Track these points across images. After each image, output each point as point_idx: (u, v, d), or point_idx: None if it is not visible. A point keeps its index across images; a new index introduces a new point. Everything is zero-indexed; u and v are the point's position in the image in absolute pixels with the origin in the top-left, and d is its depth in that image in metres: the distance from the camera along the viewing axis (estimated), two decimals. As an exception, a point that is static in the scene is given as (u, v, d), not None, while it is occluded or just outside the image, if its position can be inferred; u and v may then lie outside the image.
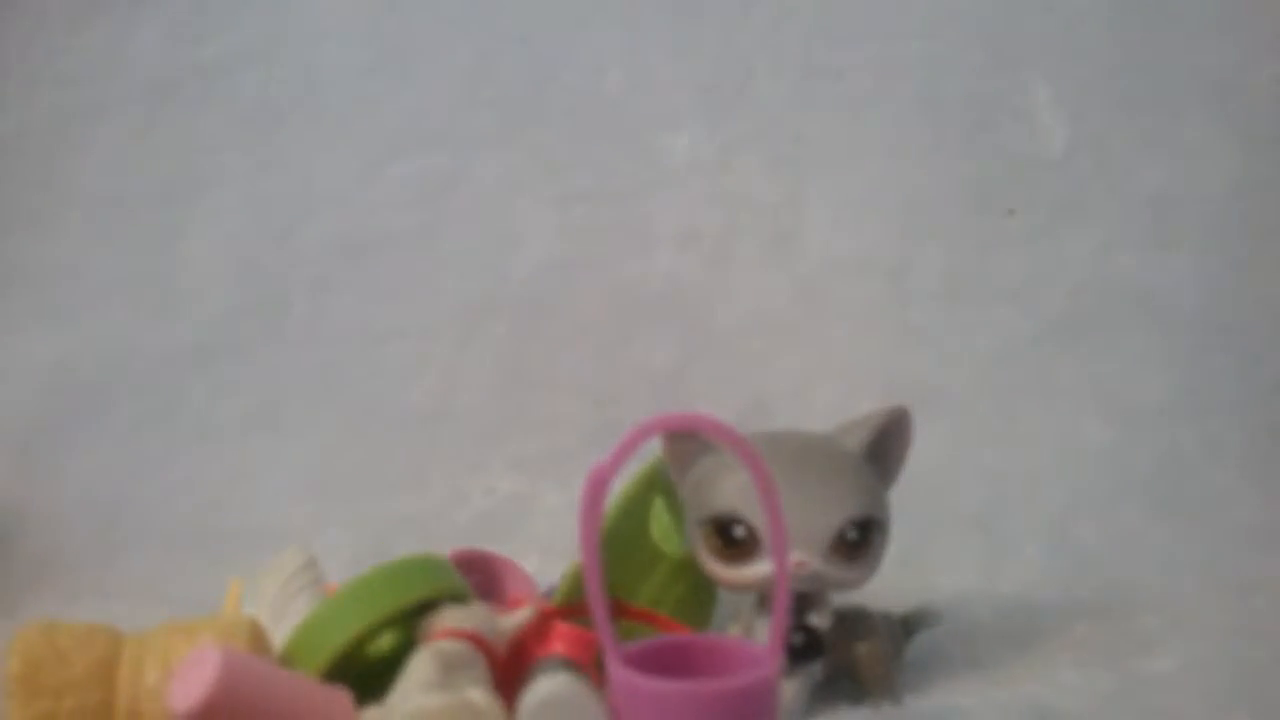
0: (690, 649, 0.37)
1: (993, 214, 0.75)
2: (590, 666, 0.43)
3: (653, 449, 0.49)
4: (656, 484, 0.51)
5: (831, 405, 0.69)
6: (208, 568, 0.63)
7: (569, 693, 0.40)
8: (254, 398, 0.77)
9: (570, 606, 0.46)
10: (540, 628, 0.44)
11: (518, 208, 0.79)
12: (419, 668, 0.39)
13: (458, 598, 0.44)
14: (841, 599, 0.48)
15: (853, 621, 0.48)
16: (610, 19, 0.80)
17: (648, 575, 0.50)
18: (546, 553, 0.63)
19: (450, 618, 0.42)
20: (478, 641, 0.41)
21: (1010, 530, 0.66)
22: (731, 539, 0.45)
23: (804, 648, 0.46)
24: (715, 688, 0.33)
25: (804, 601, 0.46)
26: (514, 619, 0.43)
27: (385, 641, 0.45)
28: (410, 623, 0.43)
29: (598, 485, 0.32)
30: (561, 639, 0.44)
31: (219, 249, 0.80)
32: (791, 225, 0.77)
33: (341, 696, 0.39)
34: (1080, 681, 0.49)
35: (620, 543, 0.49)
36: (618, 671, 0.34)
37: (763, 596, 0.47)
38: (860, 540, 0.45)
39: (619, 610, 0.46)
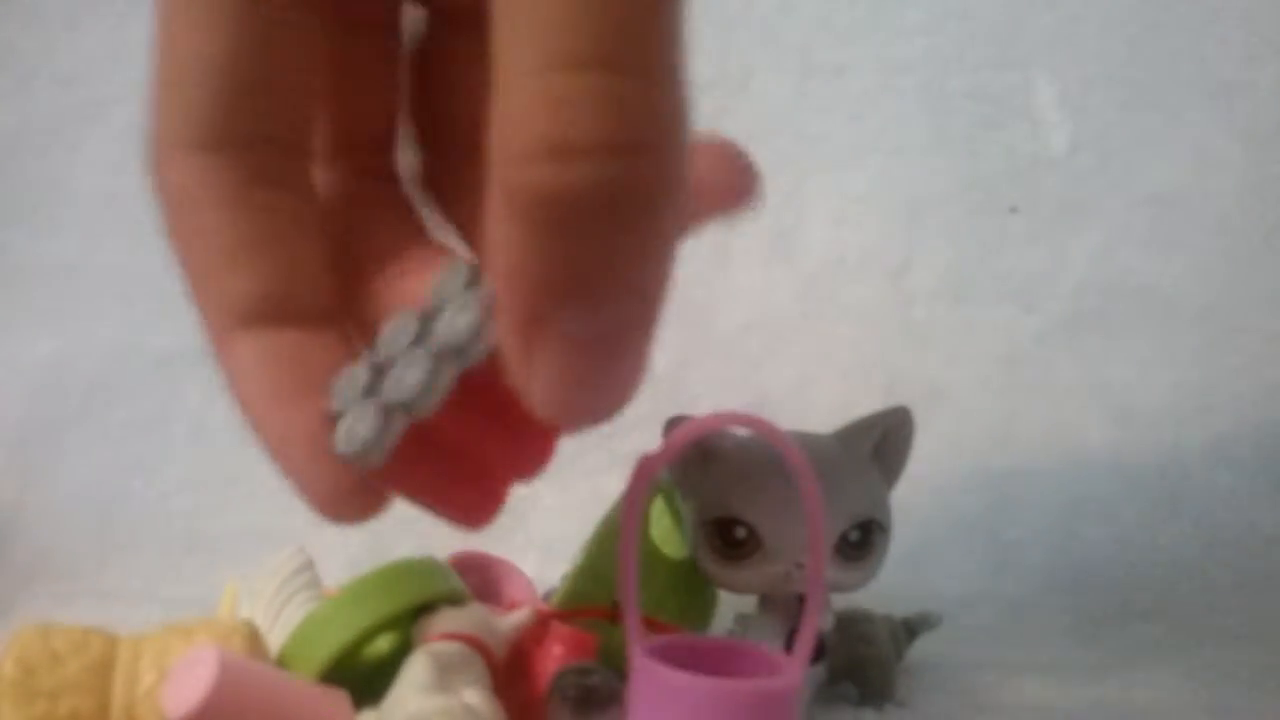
0: (702, 649, 0.36)
1: (995, 213, 0.75)
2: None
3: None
4: (657, 485, 0.51)
5: (832, 405, 0.68)
6: (204, 570, 0.62)
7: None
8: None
9: (569, 609, 0.46)
10: (538, 630, 0.44)
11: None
12: (415, 670, 0.39)
13: (455, 600, 0.44)
14: (843, 601, 0.48)
15: (854, 624, 0.48)
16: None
17: (648, 577, 0.50)
18: (545, 554, 0.63)
19: (447, 620, 0.42)
20: (475, 644, 0.41)
21: (1013, 532, 0.66)
22: (732, 540, 0.45)
23: (805, 650, 0.46)
24: (743, 687, 0.33)
25: (805, 604, 0.46)
26: (512, 621, 0.43)
27: (383, 644, 0.44)
28: (408, 625, 0.43)
29: (643, 477, 0.32)
30: (560, 641, 0.44)
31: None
32: (792, 224, 0.77)
33: (339, 699, 0.39)
34: (1084, 685, 0.49)
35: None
36: (642, 663, 0.33)
37: (764, 598, 0.47)
38: (862, 542, 0.45)
39: (619, 613, 0.46)
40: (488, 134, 0.16)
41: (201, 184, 0.21)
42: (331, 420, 0.21)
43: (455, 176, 0.24)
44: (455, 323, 0.20)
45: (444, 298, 0.21)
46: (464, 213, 0.24)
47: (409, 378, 0.20)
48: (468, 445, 0.22)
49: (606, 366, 0.18)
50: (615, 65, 0.16)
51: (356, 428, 0.21)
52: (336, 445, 0.21)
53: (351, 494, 0.21)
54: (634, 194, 0.16)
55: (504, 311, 0.18)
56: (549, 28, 0.15)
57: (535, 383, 0.18)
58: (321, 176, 0.24)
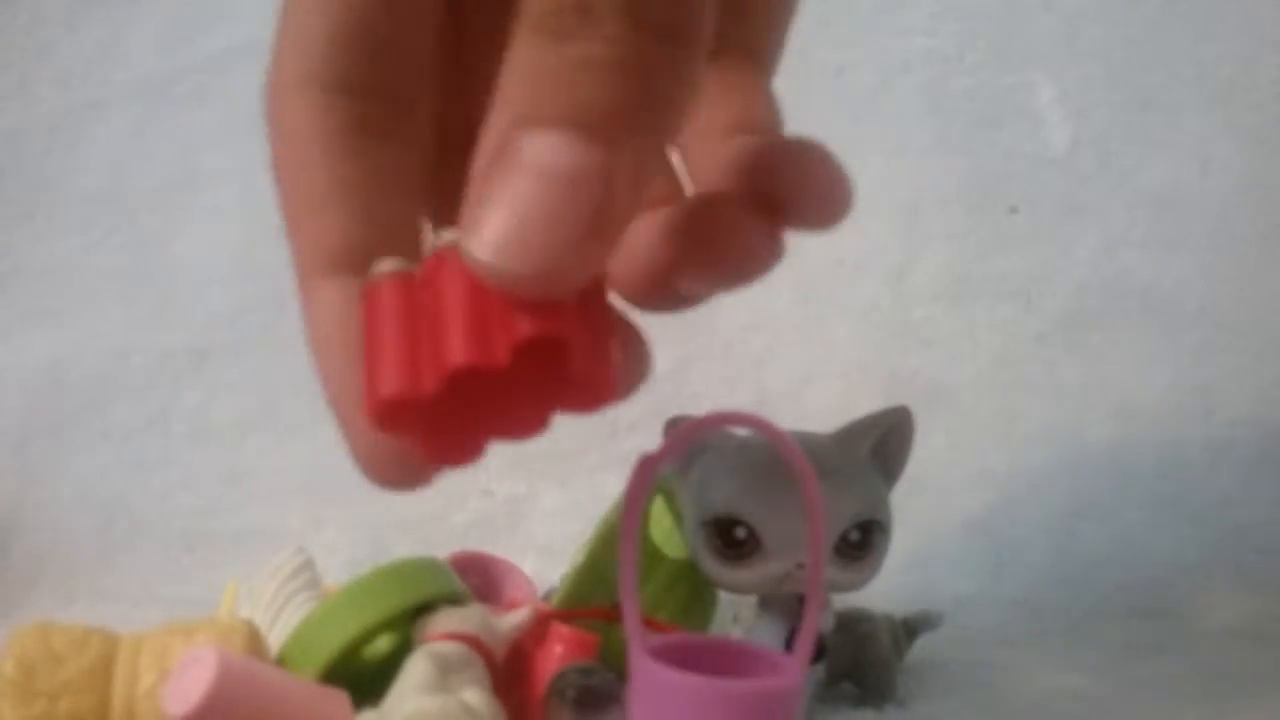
0: (702, 649, 0.36)
1: (995, 212, 0.75)
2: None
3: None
4: (657, 485, 0.51)
5: (832, 405, 0.68)
6: (204, 569, 0.63)
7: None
8: (251, 398, 0.77)
9: (569, 609, 0.46)
10: (538, 630, 0.44)
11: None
12: (415, 670, 0.39)
13: (455, 600, 0.44)
14: (843, 601, 0.48)
15: (854, 624, 0.48)
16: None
17: (648, 577, 0.50)
18: (544, 554, 0.63)
19: (447, 620, 0.42)
20: (475, 644, 0.41)
21: (1013, 531, 0.66)
22: (732, 540, 0.45)
23: (805, 650, 0.46)
24: (743, 687, 0.33)
25: (806, 604, 0.46)
26: (511, 620, 0.43)
27: (382, 644, 0.44)
28: (408, 625, 0.43)
29: (643, 477, 0.32)
30: (560, 641, 0.44)
31: (216, 248, 0.80)
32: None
33: (339, 699, 0.39)
34: (1083, 684, 0.49)
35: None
36: (642, 663, 0.33)
37: (763, 598, 0.47)
38: (862, 542, 0.45)
39: (619, 613, 0.46)
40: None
41: (308, 122, 0.22)
42: None
43: None
44: None
45: None
46: None
47: None
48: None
49: (561, 208, 0.18)
50: None
51: None
52: None
53: (397, 463, 0.22)
54: (629, 33, 0.17)
55: (481, 142, 0.18)
56: None
57: (485, 216, 0.18)
58: (439, 140, 0.24)
